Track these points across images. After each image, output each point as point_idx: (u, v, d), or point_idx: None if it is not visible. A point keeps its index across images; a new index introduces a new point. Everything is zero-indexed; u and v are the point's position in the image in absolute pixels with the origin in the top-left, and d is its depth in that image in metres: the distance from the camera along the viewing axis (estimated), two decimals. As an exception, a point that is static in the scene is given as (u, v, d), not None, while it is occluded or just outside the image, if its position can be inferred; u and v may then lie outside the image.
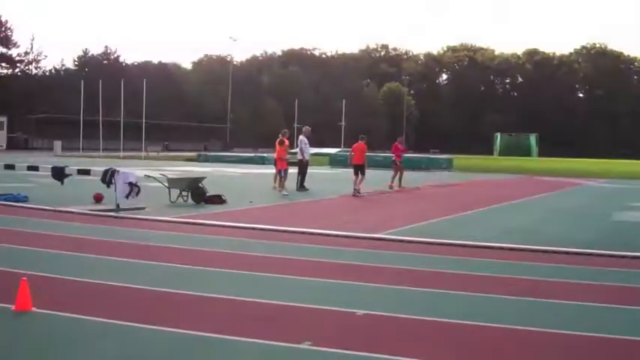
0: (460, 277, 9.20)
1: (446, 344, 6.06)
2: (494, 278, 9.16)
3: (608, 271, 9.87)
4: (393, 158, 27.42)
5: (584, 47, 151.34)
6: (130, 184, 16.16)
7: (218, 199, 18.36)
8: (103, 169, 16.89)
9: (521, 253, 11.31)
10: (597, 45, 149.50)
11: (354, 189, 22.81)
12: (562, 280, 9.11)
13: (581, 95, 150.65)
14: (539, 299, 7.86)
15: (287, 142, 23.87)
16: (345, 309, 7.11)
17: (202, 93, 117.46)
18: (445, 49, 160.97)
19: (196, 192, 18.30)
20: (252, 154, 63.13)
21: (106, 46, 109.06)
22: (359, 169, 23.50)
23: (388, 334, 6.28)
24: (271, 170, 27.23)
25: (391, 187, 25.99)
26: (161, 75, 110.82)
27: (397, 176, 26.64)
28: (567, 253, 11.24)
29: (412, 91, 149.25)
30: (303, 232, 12.99)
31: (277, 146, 23.30)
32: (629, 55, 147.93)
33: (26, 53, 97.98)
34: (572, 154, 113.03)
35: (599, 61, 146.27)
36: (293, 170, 23.76)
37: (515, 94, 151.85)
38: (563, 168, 54.75)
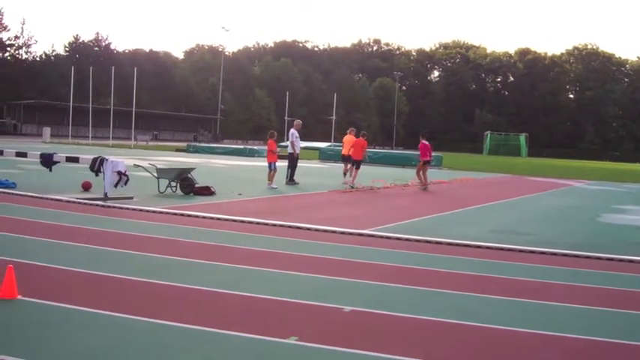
0: (447, 276, 9.21)
1: (432, 342, 6.07)
2: (480, 277, 9.19)
3: (595, 273, 9.92)
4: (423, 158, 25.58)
5: (575, 48, 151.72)
6: (119, 173, 16.11)
7: (207, 191, 18.34)
8: (92, 157, 16.80)
9: (509, 252, 11.35)
10: (589, 46, 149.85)
11: (346, 180, 24.32)
12: (548, 280, 9.14)
13: (571, 96, 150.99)
14: (525, 299, 7.89)
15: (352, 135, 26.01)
16: (331, 305, 7.12)
17: (193, 83, 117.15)
18: (437, 45, 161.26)
19: (185, 183, 18.28)
20: (242, 146, 63.05)
21: (97, 33, 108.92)
22: (355, 163, 24.63)
23: (375, 331, 6.29)
24: (262, 163, 27.22)
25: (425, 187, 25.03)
26: (152, 63, 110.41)
27: (421, 175, 25.27)
28: (554, 254, 11.28)
29: (404, 87, 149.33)
30: (290, 227, 13.00)
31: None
32: (620, 58, 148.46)
33: (16, 37, 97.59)
34: (561, 155, 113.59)
35: (591, 63, 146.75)
36: (283, 164, 23.83)
37: (506, 93, 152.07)
38: (552, 168, 54.95)
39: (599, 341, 6.33)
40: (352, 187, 23.50)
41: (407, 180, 27.45)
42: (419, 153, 25.97)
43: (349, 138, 25.87)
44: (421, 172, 25.36)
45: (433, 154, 30.81)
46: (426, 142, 25.66)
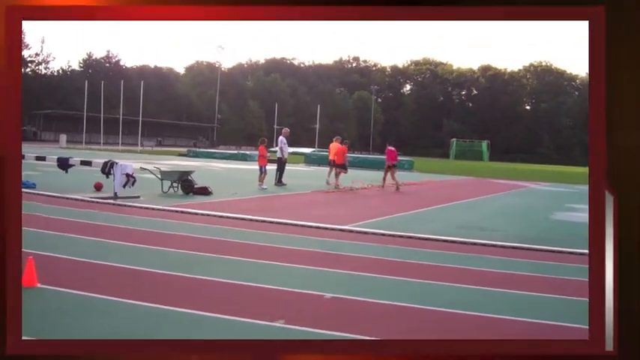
0: (418, 267, 9.25)
1: (403, 324, 6.12)
2: (448, 268, 9.23)
3: (549, 264, 9.98)
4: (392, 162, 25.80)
5: (531, 65, 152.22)
6: (127, 175, 16.07)
7: (205, 191, 18.31)
8: (103, 160, 16.77)
9: (473, 246, 11.40)
10: (543, 63, 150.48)
11: (328, 181, 24.65)
12: (507, 271, 9.20)
13: (528, 107, 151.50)
14: (487, 288, 7.94)
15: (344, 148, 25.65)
16: (314, 292, 7.15)
17: (193, 95, 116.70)
18: (409, 62, 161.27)
19: (186, 184, 18.25)
20: (237, 152, 62.88)
21: (108, 51, 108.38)
22: (339, 166, 25.01)
23: (353, 315, 6.33)
24: (254, 166, 27.16)
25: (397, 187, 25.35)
26: (157, 78, 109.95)
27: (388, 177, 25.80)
28: (513, 247, 11.33)
29: (379, 99, 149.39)
30: (279, 222, 12.99)
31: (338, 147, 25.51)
32: (571, 73, 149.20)
33: (37, 54, 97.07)
34: (519, 160, 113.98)
35: (545, 78, 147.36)
36: (272, 167, 23.85)
37: (471, 104, 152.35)
38: (510, 172, 55.14)
39: (552, 325, 6.38)
40: (337, 187, 23.70)
41: (381, 182, 27.46)
42: (386, 157, 26.39)
43: (334, 145, 25.91)
44: (389, 174, 25.61)
45: (405, 158, 31.03)
46: (392, 148, 25.97)
